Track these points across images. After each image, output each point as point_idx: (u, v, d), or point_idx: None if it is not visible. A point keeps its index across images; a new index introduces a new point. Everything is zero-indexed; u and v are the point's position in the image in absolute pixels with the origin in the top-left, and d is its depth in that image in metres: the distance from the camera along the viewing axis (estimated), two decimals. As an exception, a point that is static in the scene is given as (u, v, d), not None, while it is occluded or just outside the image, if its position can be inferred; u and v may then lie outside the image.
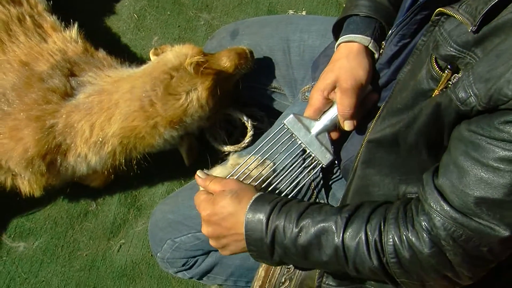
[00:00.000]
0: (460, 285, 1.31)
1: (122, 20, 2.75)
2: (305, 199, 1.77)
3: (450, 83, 1.26)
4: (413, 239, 1.28)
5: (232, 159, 1.78)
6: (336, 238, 1.35)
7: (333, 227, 1.36)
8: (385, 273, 1.34)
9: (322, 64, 1.78)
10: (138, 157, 2.12)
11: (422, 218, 1.27)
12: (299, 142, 1.70)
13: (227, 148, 2.26)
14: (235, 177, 1.64)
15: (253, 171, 1.69)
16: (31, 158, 1.98)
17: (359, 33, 1.68)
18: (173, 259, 1.98)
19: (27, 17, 2.20)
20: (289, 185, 1.71)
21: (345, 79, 1.63)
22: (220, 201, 1.49)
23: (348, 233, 1.34)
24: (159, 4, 2.78)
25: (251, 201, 1.46)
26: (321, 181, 1.77)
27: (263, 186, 1.67)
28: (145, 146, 2.08)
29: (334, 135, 1.71)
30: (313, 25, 2.10)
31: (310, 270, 1.64)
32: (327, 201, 1.77)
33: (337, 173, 1.79)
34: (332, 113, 1.68)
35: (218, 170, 1.70)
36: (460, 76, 1.23)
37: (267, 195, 1.49)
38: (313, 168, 1.72)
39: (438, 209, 1.24)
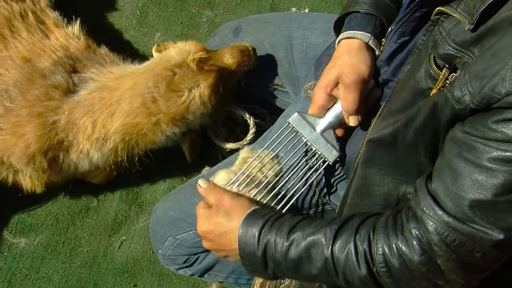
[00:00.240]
0: None
1: (125, 16, 2.74)
2: (308, 198, 1.77)
3: (448, 82, 1.25)
4: (403, 247, 1.28)
5: (243, 152, 1.78)
6: (325, 250, 1.35)
7: (323, 239, 1.36)
8: (376, 283, 1.34)
9: (324, 63, 1.78)
10: (140, 153, 2.12)
11: (412, 226, 1.27)
12: (305, 140, 1.70)
13: (229, 145, 2.26)
14: (238, 183, 1.64)
15: (257, 173, 1.69)
16: (33, 154, 1.98)
17: (359, 29, 1.68)
18: (174, 256, 1.98)
19: (30, 13, 2.20)
20: (295, 186, 1.71)
21: (347, 74, 1.63)
22: (214, 219, 1.52)
23: (337, 245, 1.35)
24: (162, 1, 2.77)
25: (245, 216, 1.47)
26: (324, 180, 1.76)
27: (267, 189, 1.67)
28: (147, 143, 2.08)
29: (339, 131, 1.71)
30: (316, 22, 2.10)
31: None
32: (329, 199, 1.77)
33: (341, 172, 1.78)
34: (336, 110, 1.68)
35: (220, 175, 1.68)
36: (457, 75, 1.23)
37: (260, 210, 1.50)
38: (319, 166, 1.71)
39: (431, 214, 1.23)
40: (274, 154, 1.74)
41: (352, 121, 1.65)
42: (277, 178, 1.72)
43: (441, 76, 1.28)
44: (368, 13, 1.69)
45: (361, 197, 1.51)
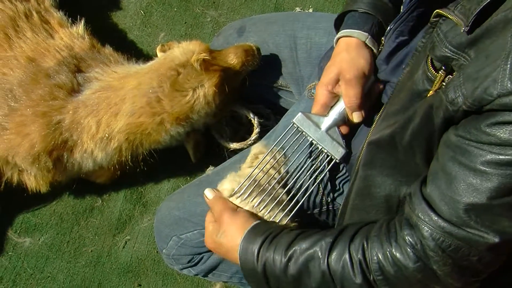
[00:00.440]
0: None
1: (129, 16, 2.74)
2: (313, 198, 1.77)
3: (444, 84, 1.26)
4: (397, 254, 1.28)
5: (255, 148, 1.79)
6: (322, 263, 1.37)
7: (319, 252, 1.38)
8: None
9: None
10: (144, 153, 2.12)
11: (405, 233, 1.28)
12: (310, 139, 1.70)
13: (233, 145, 2.25)
14: (242, 191, 1.65)
15: (263, 176, 1.69)
16: (38, 154, 1.98)
17: (357, 28, 1.70)
18: (178, 256, 1.98)
19: (34, 13, 2.20)
20: (303, 185, 1.72)
21: (347, 70, 1.65)
22: (215, 239, 1.59)
23: (332, 257, 1.36)
24: (166, 1, 2.78)
25: (244, 234, 1.50)
26: (329, 179, 1.76)
27: (274, 192, 1.67)
28: (151, 143, 2.08)
29: (344, 129, 1.71)
30: (320, 22, 2.10)
31: None
32: (334, 198, 1.77)
33: (346, 173, 1.78)
34: (339, 107, 1.69)
35: (225, 184, 1.68)
36: (453, 77, 1.23)
37: (259, 226, 1.52)
38: (326, 164, 1.72)
39: (426, 220, 1.24)
40: (284, 151, 1.75)
41: (356, 117, 1.66)
42: (287, 176, 1.73)
43: (437, 78, 1.28)
44: (366, 12, 1.70)
45: (362, 199, 1.51)
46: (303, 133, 1.70)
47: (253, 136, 2.23)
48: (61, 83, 2.02)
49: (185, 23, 2.73)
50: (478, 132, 1.14)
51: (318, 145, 1.70)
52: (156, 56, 2.16)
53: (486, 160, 1.13)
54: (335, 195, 1.77)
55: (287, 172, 1.74)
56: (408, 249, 1.27)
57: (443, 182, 1.22)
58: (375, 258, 1.31)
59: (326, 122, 1.70)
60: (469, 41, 1.20)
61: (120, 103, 2.01)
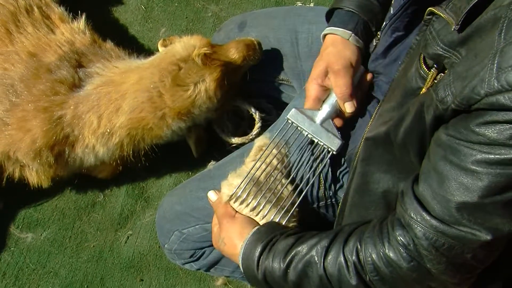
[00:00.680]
0: None
1: (130, 11, 2.74)
2: (315, 192, 1.78)
3: (436, 82, 1.26)
4: (391, 254, 1.29)
5: (259, 141, 1.80)
6: (319, 267, 1.38)
7: (315, 257, 1.39)
8: None
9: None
10: (146, 148, 2.12)
11: (398, 233, 1.28)
12: (306, 133, 1.71)
13: (234, 140, 2.25)
14: (239, 193, 1.65)
15: (263, 173, 1.69)
16: (39, 149, 1.98)
17: (341, 26, 1.74)
18: (180, 251, 1.98)
19: (35, 8, 2.20)
20: (303, 178, 1.73)
21: (335, 62, 1.68)
22: (218, 244, 1.64)
23: (328, 260, 1.38)
24: (167, -4, 2.78)
25: (246, 242, 1.52)
26: (329, 173, 1.77)
27: (274, 188, 1.67)
28: (153, 138, 2.08)
29: (338, 121, 1.73)
30: (321, 16, 2.08)
31: None
32: (336, 192, 1.77)
33: (347, 167, 1.78)
34: (332, 99, 1.71)
35: (223, 188, 1.69)
36: (443, 75, 1.23)
37: (257, 234, 1.52)
38: (325, 156, 1.72)
39: (418, 219, 1.24)
40: (285, 142, 1.76)
41: (348, 107, 1.68)
42: (290, 166, 1.74)
43: (430, 76, 1.29)
44: (350, 11, 1.74)
45: (361, 195, 1.52)
46: (298, 127, 1.71)
47: (255, 130, 2.23)
48: (62, 78, 2.02)
49: (186, 18, 2.73)
50: (467, 131, 1.14)
51: (314, 139, 1.71)
52: (158, 51, 2.16)
53: (476, 159, 1.13)
54: (337, 188, 1.78)
55: (289, 163, 1.75)
56: (401, 249, 1.27)
57: (434, 181, 1.22)
58: (370, 259, 1.32)
59: (320, 115, 1.71)
60: (461, 39, 1.20)
61: (122, 98, 2.01)
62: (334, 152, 1.70)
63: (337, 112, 1.71)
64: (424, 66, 1.31)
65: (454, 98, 1.14)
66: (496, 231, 1.17)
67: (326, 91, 1.72)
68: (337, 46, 1.72)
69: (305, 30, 2.10)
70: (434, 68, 1.28)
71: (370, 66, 1.76)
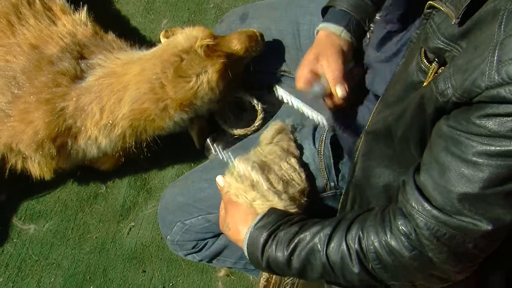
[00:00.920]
0: (452, 280, 1.32)
1: (132, 2, 2.74)
2: (318, 182, 1.78)
3: (437, 75, 1.26)
4: (392, 243, 1.29)
5: (277, 124, 1.83)
6: (322, 255, 1.39)
7: (318, 245, 1.40)
8: (374, 279, 1.37)
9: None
10: (148, 139, 2.12)
11: (399, 222, 1.28)
12: (296, 104, 1.75)
13: (237, 131, 2.25)
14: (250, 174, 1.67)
15: (274, 159, 1.71)
16: (41, 141, 1.98)
17: (334, 23, 1.77)
18: (182, 242, 1.99)
19: (37, 0, 2.19)
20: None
21: (327, 48, 1.72)
22: (223, 229, 1.66)
23: (331, 248, 1.38)
24: (168, -13, 2.77)
25: (250, 231, 1.52)
26: (332, 164, 1.77)
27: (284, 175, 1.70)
28: (155, 129, 2.08)
29: (329, 102, 1.73)
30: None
31: None
32: (338, 183, 1.77)
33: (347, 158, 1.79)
34: (322, 81, 1.73)
35: (228, 177, 1.70)
36: (444, 68, 1.23)
37: (264, 222, 1.53)
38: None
39: (419, 209, 1.24)
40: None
41: (340, 91, 1.69)
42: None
43: (431, 70, 1.28)
44: (343, 10, 1.77)
45: (362, 189, 1.53)
46: (287, 99, 1.75)
47: (257, 122, 2.22)
48: (64, 70, 2.02)
49: (188, 9, 2.73)
50: (468, 123, 1.14)
51: (303, 110, 1.74)
52: (159, 42, 2.15)
53: (477, 151, 1.14)
54: (339, 179, 1.78)
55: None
56: (403, 238, 1.28)
57: (436, 172, 1.22)
58: (372, 247, 1.33)
59: (309, 95, 1.74)
60: (461, 32, 1.20)
61: (124, 89, 2.01)
62: (325, 127, 1.72)
63: (326, 93, 1.73)
64: (425, 60, 1.30)
65: (454, 91, 1.14)
66: (497, 221, 1.17)
67: (317, 77, 1.73)
68: (329, 37, 1.75)
69: (307, 22, 2.10)
70: (435, 62, 1.28)
71: (365, 61, 1.77)
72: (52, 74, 2.01)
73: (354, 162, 1.55)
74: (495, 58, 1.06)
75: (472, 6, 1.17)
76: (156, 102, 2.00)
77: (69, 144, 2.04)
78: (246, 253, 1.53)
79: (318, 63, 1.72)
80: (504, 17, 1.08)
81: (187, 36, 2.03)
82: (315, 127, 1.83)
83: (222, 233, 1.92)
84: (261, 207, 1.61)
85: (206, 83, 2.01)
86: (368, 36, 1.77)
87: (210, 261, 2.04)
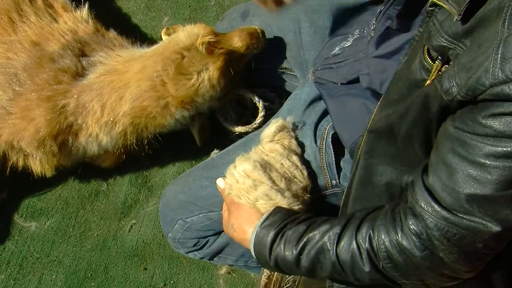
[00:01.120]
0: (462, 278, 1.32)
1: (133, 0, 2.74)
2: (319, 180, 1.78)
3: (440, 73, 1.25)
4: (404, 243, 1.29)
5: (278, 121, 1.81)
6: (331, 254, 1.39)
7: (327, 244, 1.39)
8: (385, 278, 1.36)
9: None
10: (149, 137, 2.12)
11: (410, 222, 1.28)
12: None
13: (238, 129, 2.25)
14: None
15: (275, 158, 1.72)
16: (43, 138, 1.99)
17: None
18: (184, 239, 1.99)
19: (38, -3, 2.20)
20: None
21: None
22: (228, 230, 1.66)
23: (341, 247, 1.38)
24: (170, -16, 2.77)
25: (257, 229, 1.51)
26: (333, 162, 1.77)
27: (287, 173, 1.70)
28: (156, 126, 2.08)
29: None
30: (324, 6, 2.09)
31: None
32: (339, 181, 1.77)
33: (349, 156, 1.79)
34: None
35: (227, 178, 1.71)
36: (448, 66, 1.23)
37: (270, 221, 1.52)
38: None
39: (429, 210, 1.24)
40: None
41: None
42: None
43: (434, 68, 1.28)
44: None
45: (365, 187, 1.52)
46: None
47: (258, 119, 2.22)
48: (65, 67, 2.02)
49: (189, 6, 2.72)
50: (474, 123, 1.14)
51: None
52: (161, 39, 2.15)
53: (483, 152, 1.13)
54: (340, 177, 1.78)
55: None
56: (414, 238, 1.27)
57: (444, 174, 1.22)
58: (383, 247, 1.32)
59: None
60: (465, 30, 1.19)
61: (125, 87, 2.01)
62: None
63: None
64: (428, 58, 1.29)
65: (459, 89, 1.13)
66: (507, 222, 1.17)
67: None
68: None
69: (308, 19, 2.10)
70: (438, 60, 1.27)
71: (364, 57, 1.76)
72: (53, 71, 2.01)
73: (356, 160, 1.55)
74: (499, 55, 1.05)
75: (475, 3, 1.17)
76: (157, 99, 2.00)
77: (70, 141, 2.04)
78: (253, 253, 1.52)
79: None
80: (508, 14, 1.08)
81: (188, 34, 2.03)
82: (316, 125, 1.83)
83: (223, 231, 1.92)
84: (265, 207, 1.60)
85: (207, 80, 2.01)
86: (371, 29, 1.75)
87: (211, 258, 2.04)
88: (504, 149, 1.10)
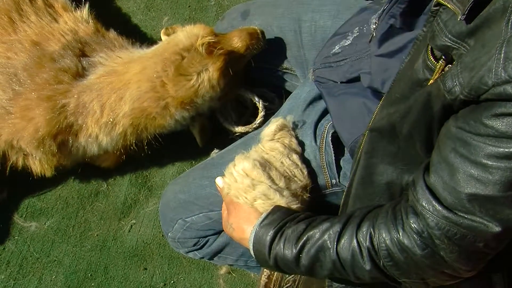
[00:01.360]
0: (462, 277, 1.32)
1: (133, 0, 2.74)
2: (319, 179, 1.78)
3: (444, 73, 1.25)
4: (405, 241, 1.29)
5: (278, 120, 1.82)
6: (332, 253, 1.39)
7: (328, 242, 1.40)
8: (385, 276, 1.37)
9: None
10: (149, 137, 2.12)
11: (412, 221, 1.28)
12: None
13: (238, 129, 2.25)
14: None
15: (276, 156, 1.72)
16: (42, 138, 1.99)
17: None
18: (184, 239, 1.99)
19: (38, -3, 2.20)
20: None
21: None
22: (227, 229, 1.67)
23: (341, 245, 1.38)
24: (170, -16, 2.77)
25: (256, 229, 1.52)
26: (333, 161, 1.77)
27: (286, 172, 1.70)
28: (156, 127, 2.08)
29: None
30: (325, 5, 2.09)
31: None
32: (339, 180, 1.77)
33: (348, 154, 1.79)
34: None
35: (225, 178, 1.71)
36: (451, 66, 1.23)
37: (269, 219, 1.53)
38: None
39: (430, 209, 1.24)
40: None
41: None
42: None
43: (437, 67, 1.28)
44: None
45: (365, 187, 1.52)
46: None
47: (258, 119, 2.22)
48: (66, 67, 2.02)
49: (189, 6, 2.72)
50: (477, 123, 1.14)
51: None
52: (160, 39, 2.15)
53: (485, 153, 1.14)
54: (340, 176, 1.78)
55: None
56: (415, 236, 1.27)
57: (445, 173, 1.22)
58: (383, 245, 1.32)
59: None
60: (469, 30, 1.19)
61: (125, 88, 2.01)
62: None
63: None
64: (432, 58, 1.29)
65: (462, 89, 1.14)
66: (508, 222, 1.17)
67: None
68: None
69: (309, 19, 2.10)
70: (442, 60, 1.27)
71: (367, 55, 1.76)
72: (53, 71, 2.01)
73: (356, 159, 1.55)
74: (502, 55, 1.06)
75: (479, 3, 1.17)
76: (157, 100, 2.00)
77: (70, 141, 2.04)
78: (252, 252, 1.53)
79: None
80: None
81: (188, 34, 2.03)
82: (316, 124, 1.83)
83: (223, 231, 1.92)
84: (263, 206, 1.61)
85: (207, 81, 2.01)
86: (373, 28, 1.75)
87: (211, 258, 2.04)
88: (506, 150, 1.10)
